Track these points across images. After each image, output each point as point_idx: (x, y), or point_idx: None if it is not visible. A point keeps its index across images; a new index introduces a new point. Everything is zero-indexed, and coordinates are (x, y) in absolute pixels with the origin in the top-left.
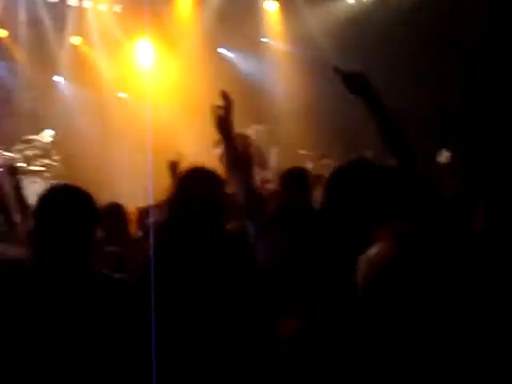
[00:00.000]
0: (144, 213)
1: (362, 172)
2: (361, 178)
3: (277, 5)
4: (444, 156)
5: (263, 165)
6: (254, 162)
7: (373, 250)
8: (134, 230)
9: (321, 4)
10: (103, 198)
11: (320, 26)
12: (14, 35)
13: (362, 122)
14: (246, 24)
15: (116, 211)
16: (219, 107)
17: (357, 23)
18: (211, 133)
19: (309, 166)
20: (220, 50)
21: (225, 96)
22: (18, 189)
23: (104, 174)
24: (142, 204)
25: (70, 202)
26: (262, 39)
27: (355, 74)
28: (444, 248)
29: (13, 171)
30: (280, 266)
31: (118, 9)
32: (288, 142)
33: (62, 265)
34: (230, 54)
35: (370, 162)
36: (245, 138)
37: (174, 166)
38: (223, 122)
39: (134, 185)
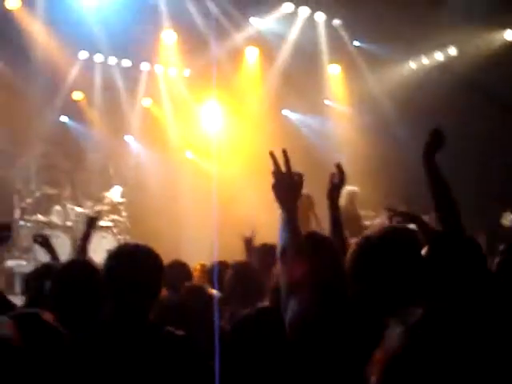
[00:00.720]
0: (208, 270)
1: (390, 244)
2: (387, 251)
3: (340, 68)
4: (508, 219)
5: None
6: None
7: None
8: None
9: (383, 67)
10: (168, 254)
11: (382, 88)
12: (88, 97)
13: (425, 185)
14: (310, 86)
15: (180, 269)
16: (334, 176)
17: (419, 87)
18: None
19: (366, 223)
20: (284, 112)
21: (339, 167)
22: (85, 240)
23: (170, 231)
24: (206, 261)
25: (137, 261)
26: (326, 101)
27: (407, 215)
28: (472, 334)
29: (91, 223)
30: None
31: (186, 73)
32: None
33: (127, 322)
34: (294, 116)
35: (403, 230)
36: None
37: (248, 241)
38: (335, 190)
39: (200, 242)
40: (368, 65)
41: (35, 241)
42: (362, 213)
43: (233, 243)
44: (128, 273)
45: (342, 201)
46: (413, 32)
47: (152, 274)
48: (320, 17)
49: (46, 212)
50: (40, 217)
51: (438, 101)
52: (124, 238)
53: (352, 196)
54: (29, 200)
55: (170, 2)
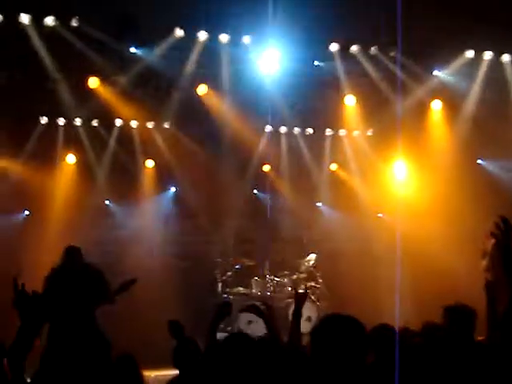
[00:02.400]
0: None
1: None
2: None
3: None
4: None
5: None
6: None
7: None
8: None
9: None
10: (368, 317)
11: None
12: (277, 168)
13: None
14: (502, 132)
15: (387, 334)
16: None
17: None
18: (471, 242)
19: None
20: (479, 161)
21: (504, 221)
22: (297, 318)
23: (368, 293)
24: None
25: (342, 334)
26: None
27: None
28: None
29: (301, 300)
30: None
31: (370, 133)
32: None
33: None
34: (488, 163)
35: None
36: None
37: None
38: (503, 244)
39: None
40: None
41: (248, 311)
42: None
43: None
44: (333, 347)
45: None
46: None
47: (356, 344)
48: (506, 58)
49: (246, 284)
50: (241, 289)
51: None
52: (322, 304)
53: None
54: (229, 273)
55: (347, 66)
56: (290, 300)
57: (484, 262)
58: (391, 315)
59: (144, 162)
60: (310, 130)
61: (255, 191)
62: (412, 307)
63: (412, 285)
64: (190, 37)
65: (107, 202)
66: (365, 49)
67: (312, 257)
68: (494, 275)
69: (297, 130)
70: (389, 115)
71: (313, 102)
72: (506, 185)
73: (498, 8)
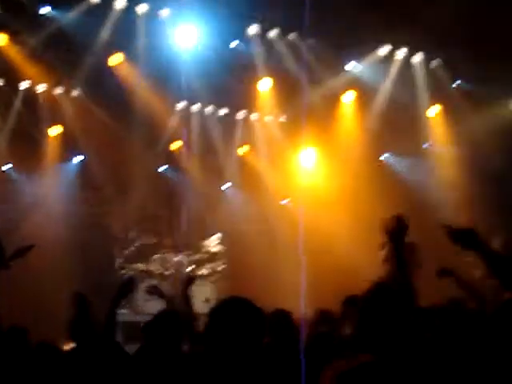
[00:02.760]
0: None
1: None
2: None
3: (439, 109)
4: None
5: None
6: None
7: None
8: None
9: (485, 108)
10: (266, 302)
11: (484, 129)
12: (186, 147)
13: None
14: (410, 128)
15: (284, 318)
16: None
17: None
18: (372, 235)
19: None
20: (383, 156)
21: (400, 220)
22: (187, 297)
23: (269, 280)
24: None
25: (239, 318)
26: (425, 145)
27: (463, 231)
28: None
29: (190, 281)
30: None
31: (282, 119)
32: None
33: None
34: (393, 160)
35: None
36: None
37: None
38: (396, 238)
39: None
40: (469, 105)
41: (150, 293)
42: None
43: (328, 290)
44: (230, 329)
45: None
46: None
47: (253, 328)
48: (418, 58)
49: (146, 261)
50: (140, 265)
51: None
52: (222, 286)
53: None
54: (129, 248)
55: (266, 50)
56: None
57: (383, 253)
58: (291, 299)
59: (49, 129)
60: (223, 111)
61: (163, 167)
62: (311, 294)
63: (312, 274)
64: (107, 3)
65: (7, 167)
66: (284, 34)
67: (215, 238)
68: (389, 266)
69: (209, 109)
70: (303, 103)
71: (228, 82)
72: (410, 180)
73: (416, 7)
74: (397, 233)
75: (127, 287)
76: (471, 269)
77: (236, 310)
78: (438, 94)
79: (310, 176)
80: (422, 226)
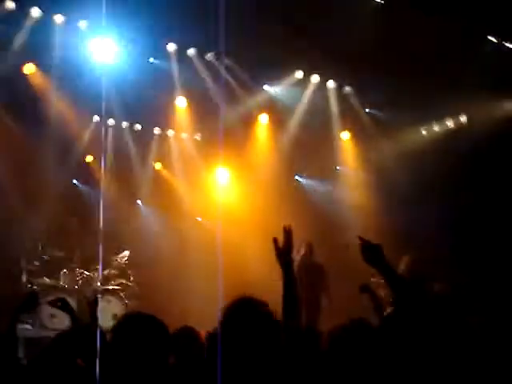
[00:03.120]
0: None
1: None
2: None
3: (350, 134)
4: None
5: None
6: None
7: None
8: None
9: (394, 134)
10: (175, 320)
11: (393, 154)
12: (100, 161)
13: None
14: (322, 152)
15: (189, 335)
16: (280, 240)
17: (432, 152)
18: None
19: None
20: (296, 177)
21: (287, 232)
22: (94, 312)
23: (179, 296)
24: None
25: (143, 333)
26: (337, 167)
27: (371, 246)
28: None
29: (97, 296)
30: None
31: (197, 137)
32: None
33: None
34: (305, 181)
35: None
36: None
37: None
38: (283, 254)
39: (206, 308)
40: (379, 131)
41: (54, 306)
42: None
43: None
44: (134, 345)
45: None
46: (424, 99)
47: (157, 344)
48: (331, 84)
49: (54, 275)
50: (46, 280)
51: (450, 166)
52: (131, 303)
53: None
54: (36, 263)
55: (183, 68)
56: (98, 296)
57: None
58: (199, 317)
59: None
60: (138, 126)
61: (75, 181)
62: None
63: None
64: (23, 11)
65: None
66: (201, 54)
67: (125, 253)
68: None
69: (125, 123)
70: (218, 122)
71: (145, 98)
72: (320, 201)
73: (326, 35)
74: (284, 249)
75: (29, 302)
76: (378, 289)
77: (138, 325)
78: (350, 119)
79: (224, 194)
80: (331, 246)
